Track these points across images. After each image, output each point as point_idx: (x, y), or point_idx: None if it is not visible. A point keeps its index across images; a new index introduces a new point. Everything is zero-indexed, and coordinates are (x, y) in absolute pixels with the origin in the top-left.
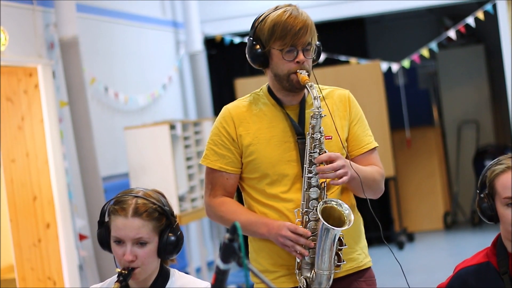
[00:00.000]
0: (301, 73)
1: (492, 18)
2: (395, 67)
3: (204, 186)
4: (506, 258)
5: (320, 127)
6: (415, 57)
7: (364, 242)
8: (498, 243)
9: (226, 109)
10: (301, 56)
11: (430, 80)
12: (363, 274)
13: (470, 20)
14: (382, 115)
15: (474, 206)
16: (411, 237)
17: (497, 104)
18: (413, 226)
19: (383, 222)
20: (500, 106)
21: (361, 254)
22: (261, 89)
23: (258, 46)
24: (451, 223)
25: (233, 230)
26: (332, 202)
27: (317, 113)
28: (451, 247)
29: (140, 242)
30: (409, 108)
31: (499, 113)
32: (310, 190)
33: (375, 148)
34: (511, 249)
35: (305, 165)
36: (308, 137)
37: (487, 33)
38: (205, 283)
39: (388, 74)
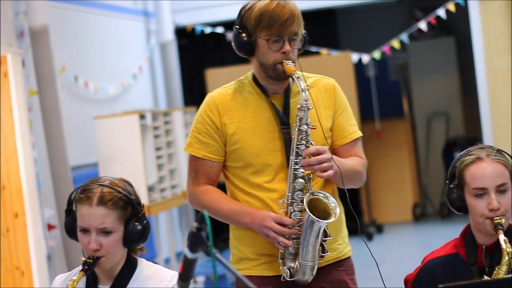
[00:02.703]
0: (287, 64)
1: (463, 10)
2: (365, 58)
3: (187, 174)
4: (474, 249)
5: (307, 120)
6: (385, 48)
7: (345, 231)
8: (466, 234)
9: (211, 97)
10: (287, 46)
11: (401, 71)
12: (343, 263)
13: (441, 12)
14: (352, 107)
15: (443, 197)
16: (380, 229)
17: (467, 96)
18: (382, 217)
19: (352, 213)
20: (470, 98)
21: (341, 244)
22: (246, 76)
23: (244, 35)
24: (420, 215)
25: (201, 219)
26: (320, 194)
27: (304, 105)
28: (419, 238)
29: (105, 231)
30: (379, 99)
31: (469, 105)
32: (296, 181)
33: (359, 138)
34: (480, 240)
35: (291, 157)
36: (296, 129)
37: (457, 25)
38: (173, 272)
39: (359, 66)
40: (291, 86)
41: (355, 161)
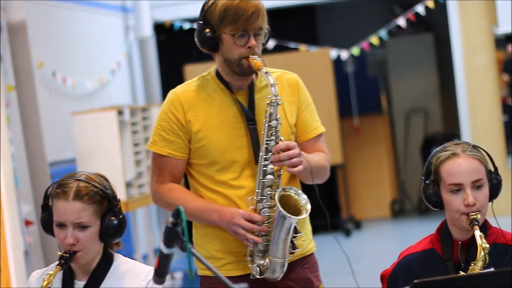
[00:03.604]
0: (254, 59)
1: (441, 7)
2: (344, 54)
3: (151, 172)
4: (450, 245)
5: (276, 115)
6: (364, 45)
7: (309, 227)
8: (442, 229)
9: (174, 93)
10: (252, 41)
11: (379, 68)
12: (307, 260)
13: (420, 9)
14: (330, 103)
15: (420, 193)
16: (358, 225)
17: (445, 92)
18: (361, 213)
19: (331, 209)
20: (448, 94)
21: (305, 240)
22: (209, 72)
23: (208, 30)
24: (398, 211)
25: (176, 214)
26: (291, 191)
27: (274, 100)
28: (398, 234)
29: (81, 226)
30: (358, 96)
31: (447, 102)
32: (265, 177)
33: (322, 133)
34: (456, 236)
35: (261, 153)
36: (265, 125)
37: (436, 21)
38: (149, 267)
39: (337, 62)
40: (255, 82)
41: (321, 156)
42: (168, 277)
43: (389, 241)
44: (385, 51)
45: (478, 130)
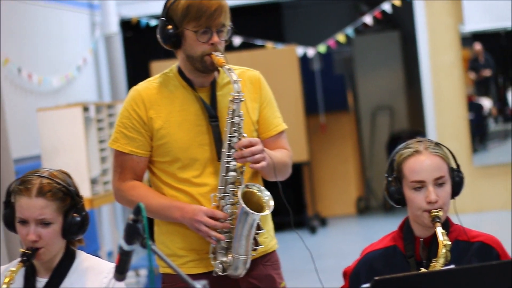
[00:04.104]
0: (216, 55)
1: (408, 5)
2: (310, 52)
3: (113, 169)
4: (412, 242)
5: (239, 112)
6: (331, 42)
7: (271, 224)
8: (405, 226)
9: (136, 91)
10: (215, 38)
11: (346, 65)
12: (269, 257)
13: (386, 6)
14: (297, 100)
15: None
16: (323, 222)
17: (412, 90)
18: (326, 210)
19: (296, 206)
20: (414, 92)
21: (268, 238)
22: (171, 69)
23: (170, 27)
24: (364, 208)
25: (137, 211)
26: (254, 187)
27: (237, 97)
28: (363, 231)
29: (44, 222)
30: (324, 93)
31: (413, 100)
32: (228, 174)
33: (284, 130)
34: (418, 233)
35: (223, 150)
36: (228, 121)
37: (402, 19)
38: (111, 264)
39: (304, 59)
40: (217, 79)
41: (283, 153)
42: (132, 274)
43: (354, 238)
44: (351, 49)
45: (444, 128)
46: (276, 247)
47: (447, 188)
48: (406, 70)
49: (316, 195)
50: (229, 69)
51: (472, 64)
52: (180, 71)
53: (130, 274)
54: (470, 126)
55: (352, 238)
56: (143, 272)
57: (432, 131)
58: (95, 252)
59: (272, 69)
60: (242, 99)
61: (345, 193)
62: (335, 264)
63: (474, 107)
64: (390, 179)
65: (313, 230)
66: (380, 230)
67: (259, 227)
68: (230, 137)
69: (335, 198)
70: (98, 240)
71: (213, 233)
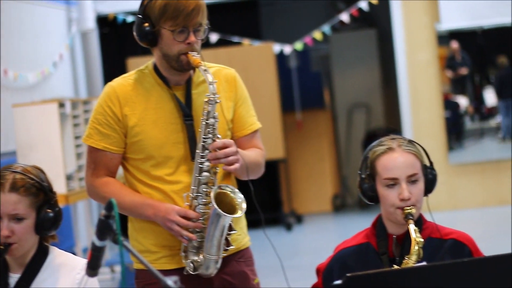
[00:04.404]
0: (193, 55)
1: (384, 3)
2: (287, 49)
3: (86, 165)
4: (385, 239)
5: (214, 113)
6: (307, 40)
7: (244, 222)
8: (378, 224)
9: (111, 87)
10: (192, 38)
11: (322, 63)
12: (243, 254)
13: (363, 4)
14: (273, 97)
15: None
16: (299, 219)
17: (388, 88)
18: (302, 208)
19: (272, 203)
20: (390, 90)
21: (240, 235)
22: (146, 66)
23: (147, 25)
24: (340, 205)
25: (109, 207)
26: (227, 189)
27: (212, 98)
28: (339, 229)
29: (17, 218)
30: (301, 90)
31: (390, 97)
32: (201, 174)
33: (258, 129)
34: (391, 230)
35: (197, 150)
36: (203, 122)
37: (379, 17)
38: (84, 260)
39: (281, 56)
40: (192, 77)
41: (257, 153)
42: (107, 270)
43: (330, 235)
44: (328, 46)
45: (420, 125)
46: (249, 244)
47: (420, 185)
48: (382, 68)
49: (292, 192)
50: (205, 70)
51: (449, 63)
52: (155, 69)
53: (105, 270)
54: (446, 124)
55: (328, 235)
56: (118, 268)
57: (408, 129)
58: (70, 249)
59: (248, 66)
60: (217, 101)
61: (321, 190)
62: (311, 261)
63: (450, 105)
64: (363, 176)
65: (289, 227)
66: (356, 227)
67: (231, 228)
68: (204, 138)
69: (311, 195)
70: (74, 237)
71: (185, 232)
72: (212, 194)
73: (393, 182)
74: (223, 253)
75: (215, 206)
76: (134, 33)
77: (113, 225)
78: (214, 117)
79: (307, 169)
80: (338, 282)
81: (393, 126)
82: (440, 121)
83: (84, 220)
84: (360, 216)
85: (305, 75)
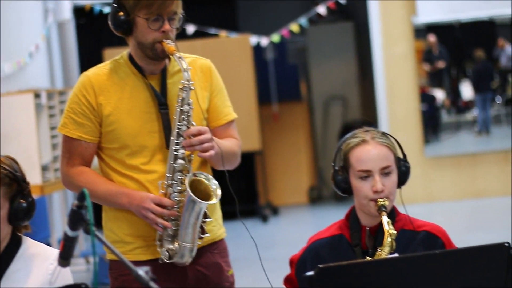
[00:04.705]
0: (167, 43)
1: None
2: (264, 41)
3: (61, 155)
4: (358, 231)
5: (189, 100)
6: (284, 32)
7: (219, 213)
8: (351, 216)
9: (86, 76)
10: (167, 26)
11: (299, 55)
12: (217, 245)
13: None
14: (250, 89)
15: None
16: (275, 211)
17: (364, 81)
18: (278, 199)
19: (248, 195)
20: (367, 83)
21: (216, 226)
22: (121, 56)
23: (122, 13)
24: (316, 197)
25: (81, 197)
26: (202, 176)
27: (186, 85)
28: (315, 220)
29: None
30: (278, 83)
31: (366, 90)
32: (176, 162)
33: (234, 119)
34: (364, 222)
35: (172, 138)
36: (177, 109)
37: (356, 10)
38: (58, 251)
39: (258, 49)
40: (168, 66)
41: (232, 142)
42: (82, 261)
43: (306, 227)
44: (305, 39)
45: (396, 118)
46: (224, 236)
47: (394, 177)
48: (359, 60)
49: (268, 184)
50: (179, 57)
51: (426, 56)
52: (131, 58)
53: (80, 261)
54: (422, 117)
55: (304, 227)
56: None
57: (384, 121)
58: (45, 239)
59: (225, 58)
60: (191, 88)
61: (297, 182)
62: (287, 252)
63: (427, 99)
64: (337, 168)
65: (265, 219)
66: (331, 219)
67: (206, 216)
68: (179, 125)
69: (287, 187)
70: (49, 227)
71: (160, 220)
72: (186, 181)
73: (367, 174)
74: (198, 241)
75: (190, 193)
76: (109, 22)
77: (85, 215)
78: (188, 104)
79: (283, 161)
80: (310, 273)
81: (369, 118)
82: (416, 114)
83: (59, 211)
84: (336, 208)
85: (282, 67)
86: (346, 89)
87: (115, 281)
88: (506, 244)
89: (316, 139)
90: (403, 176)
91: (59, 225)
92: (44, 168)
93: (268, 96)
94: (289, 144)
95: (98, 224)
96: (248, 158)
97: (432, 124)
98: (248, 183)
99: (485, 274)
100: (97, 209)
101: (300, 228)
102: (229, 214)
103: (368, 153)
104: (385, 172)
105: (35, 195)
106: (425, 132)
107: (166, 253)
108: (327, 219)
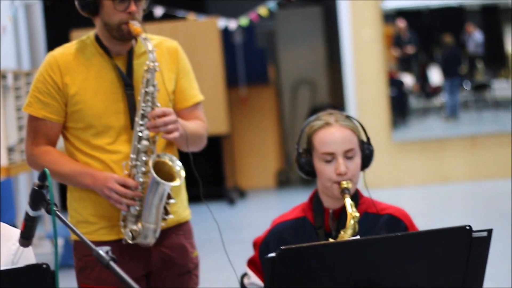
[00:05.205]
0: (134, 24)
1: None
2: (232, 25)
3: (26, 134)
4: (322, 213)
5: (154, 81)
6: (253, 15)
7: (184, 195)
8: (314, 198)
9: (52, 56)
10: (133, 7)
11: (268, 39)
12: (182, 227)
13: None
14: (218, 73)
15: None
16: (242, 194)
17: (333, 65)
18: (246, 183)
19: (215, 178)
20: (335, 67)
21: (180, 208)
22: (88, 36)
23: None
24: (284, 181)
25: (42, 177)
26: (166, 157)
27: (152, 67)
28: (282, 204)
29: None
30: (246, 66)
31: (334, 74)
32: (140, 143)
33: (200, 101)
34: (327, 204)
35: (136, 119)
36: (142, 90)
37: None
38: (19, 231)
39: (226, 32)
40: (134, 48)
41: (198, 124)
42: (48, 243)
43: (273, 211)
44: (273, 23)
45: (364, 103)
46: (189, 218)
47: (357, 160)
48: (327, 45)
49: (235, 167)
50: (145, 39)
51: (396, 41)
52: (97, 39)
53: (46, 243)
54: (390, 102)
55: (271, 211)
56: (60, 241)
57: (352, 106)
58: (11, 221)
59: (193, 41)
60: (156, 69)
61: (265, 166)
62: (253, 236)
63: (395, 83)
64: (300, 150)
65: (232, 202)
66: (298, 203)
67: (169, 197)
68: (143, 106)
69: (255, 170)
70: (15, 209)
71: (124, 200)
72: (150, 162)
73: (330, 157)
74: (161, 222)
75: (154, 174)
76: (76, 3)
77: (46, 195)
78: (153, 85)
79: (251, 145)
80: (272, 254)
81: (337, 103)
82: (384, 98)
83: (25, 193)
84: (303, 191)
85: (250, 51)
86: (314, 73)
87: (79, 262)
88: (468, 227)
89: (284, 123)
90: (367, 159)
91: (25, 207)
92: (10, 150)
93: (236, 79)
94: (257, 128)
95: (65, 204)
96: (216, 142)
97: (400, 109)
98: (216, 166)
99: (447, 256)
100: (64, 190)
101: (267, 211)
102: (197, 197)
103: (331, 135)
104: (348, 155)
105: (1, 177)
106: (393, 117)
107: (130, 233)
108: (294, 202)
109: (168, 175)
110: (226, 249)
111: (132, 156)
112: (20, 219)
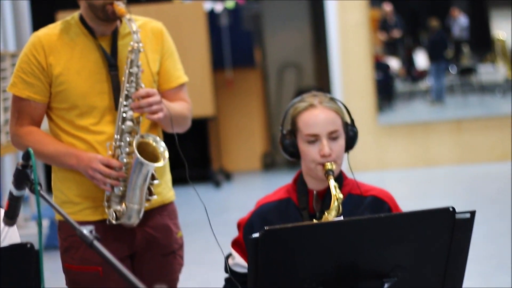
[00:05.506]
0: (118, 5)
1: None
2: (218, 7)
3: (10, 114)
4: (306, 195)
5: (138, 62)
6: None
7: (168, 176)
8: (298, 179)
9: (37, 36)
10: None
11: (254, 22)
12: (166, 208)
13: None
14: (203, 55)
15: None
16: (228, 176)
17: (319, 48)
18: (231, 165)
19: (201, 161)
20: (321, 50)
21: (165, 189)
22: (73, 17)
23: None
24: (269, 164)
25: (26, 156)
26: (149, 138)
27: (136, 47)
28: (268, 186)
29: None
30: (232, 49)
31: (320, 58)
32: (125, 123)
33: (185, 83)
34: (311, 186)
35: (120, 99)
36: (126, 71)
37: None
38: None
39: (212, 14)
40: (119, 28)
41: (183, 105)
42: (34, 224)
43: (259, 193)
44: (260, 5)
45: (350, 86)
46: (174, 199)
47: (341, 142)
48: (314, 28)
49: (221, 149)
50: (129, 19)
51: (382, 25)
52: (82, 19)
53: (31, 224)
54: (376, 85)
55: (256, 193)
56: (45, 222)
57: (338, 89)
58: None
59: (179, 24)
60: (141, 50)
61: (251, 148)
62: (239, 217)
63: (381, 67)
64: (284, 132)
65: (217, 184)
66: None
67: (153, 178)
68: (127, 87)
69: (241, 153)
70: (1, 190)
71: (108, 180)
72: (134, 143)
73: (314, 139)
74: (145, 203)
75: (137, 154)
76: None
77: (30, 175)
78: (137, 66)
79: (237, 127)
80: (256, 235)
81: (323, 86)
82: (370, 82)
83: (11, 174)
84: (289, 174)
85: (236, 34)
86: (301, 56)
87: (64, 242)
88: (451, 209)
89: (270, 106)
90: (351, 140)
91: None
92: None
93: (222, 62)
94: (243, 110)
95: (49, 184)
96: (201, 124)
97: (386, 93)
98: (202, 149)
99: (430, 238)
100: (49, 171)
101: (252, 193)
102: (182, 179)
103: (315, 117)
104: (332, 136)
105: None
106: (379, 101)
107: (114, 214)
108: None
109: (152, 156)
110: (210, 230)
111: (116, 136)
112: (6, 200)
